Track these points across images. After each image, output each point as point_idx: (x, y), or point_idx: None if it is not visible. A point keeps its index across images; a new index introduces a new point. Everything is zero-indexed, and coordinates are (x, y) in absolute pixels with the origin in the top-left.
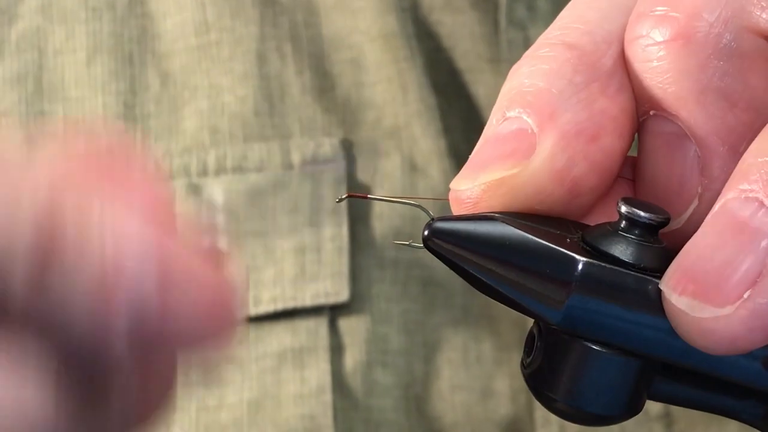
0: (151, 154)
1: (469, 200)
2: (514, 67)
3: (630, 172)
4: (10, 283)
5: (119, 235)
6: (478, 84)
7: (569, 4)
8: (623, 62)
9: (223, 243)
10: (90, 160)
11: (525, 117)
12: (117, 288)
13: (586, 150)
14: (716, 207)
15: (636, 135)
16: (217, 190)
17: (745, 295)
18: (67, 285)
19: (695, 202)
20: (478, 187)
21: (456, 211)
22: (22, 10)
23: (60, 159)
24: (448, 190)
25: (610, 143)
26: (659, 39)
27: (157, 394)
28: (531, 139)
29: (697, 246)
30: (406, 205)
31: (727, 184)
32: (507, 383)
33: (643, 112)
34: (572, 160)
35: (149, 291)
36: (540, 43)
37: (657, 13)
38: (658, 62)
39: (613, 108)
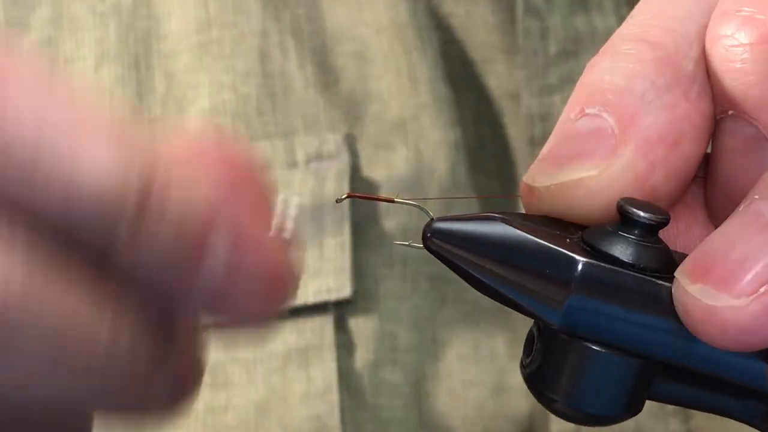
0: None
1: (544, 198)
2: (593, 60)
3: (701, 170)
4: (117, 227)
5: (207, 202)
6: (490, 75)
7: None
8: (703, 63)
9: (291, 233)
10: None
11: (606, 116)
12: (202, 246)
13: (666, 156)
14: (742, 206)
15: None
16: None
17: (761, 290)
18: (157, 236)
19: None
20: (555, 186)
21: (528, 208)
22: (33, 21)
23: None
24: (455, 183)
25: (690, 150)
26: (744, 41)
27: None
28: (611, 140)
29: (720, 237)
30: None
31: (756, 185)
32: (521, 378)
33: (721, 111)
34: (652, 166)
35: (224, 254)
36: (619, 38)
37: (743, 13)
38: (742, 64)
39: (694, 113)
